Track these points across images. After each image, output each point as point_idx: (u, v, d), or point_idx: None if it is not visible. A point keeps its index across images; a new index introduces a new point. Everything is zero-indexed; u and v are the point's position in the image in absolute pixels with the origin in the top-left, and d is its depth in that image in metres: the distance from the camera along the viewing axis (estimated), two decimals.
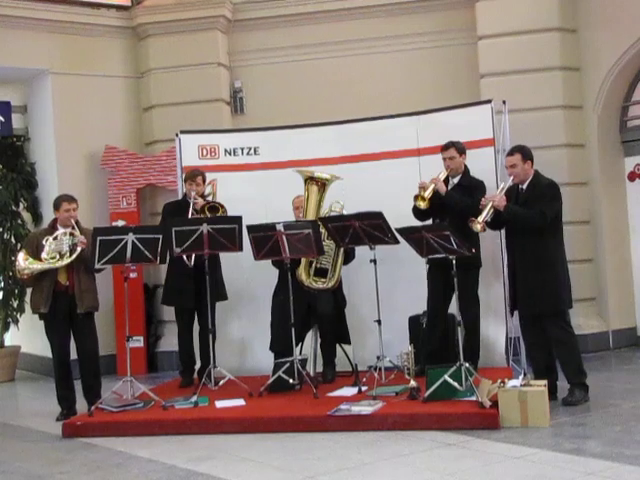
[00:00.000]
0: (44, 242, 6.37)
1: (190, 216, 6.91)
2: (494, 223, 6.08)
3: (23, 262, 6.35)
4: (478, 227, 5.91)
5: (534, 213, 5.83)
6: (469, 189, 6.65)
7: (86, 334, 6.51)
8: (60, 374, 6.52)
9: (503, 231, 6.32)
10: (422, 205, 6.54)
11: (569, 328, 6.00)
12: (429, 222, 6.68)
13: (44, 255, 6.33)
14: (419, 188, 6.59)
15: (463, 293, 6.20)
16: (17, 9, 8.53)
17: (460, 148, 6.73)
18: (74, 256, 6.33)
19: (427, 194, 6.52)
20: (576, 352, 5.94)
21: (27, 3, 8.58)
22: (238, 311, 7.57)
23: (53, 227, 6.55)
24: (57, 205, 6.55)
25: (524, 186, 6.02)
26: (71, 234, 6.39)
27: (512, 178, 6.01)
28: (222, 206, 6.99)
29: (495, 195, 6.02)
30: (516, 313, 6.18)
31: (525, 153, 6.00)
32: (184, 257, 6.80)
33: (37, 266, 6.34)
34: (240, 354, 7.55)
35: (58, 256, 6.35)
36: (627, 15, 7.89)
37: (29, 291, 8.82)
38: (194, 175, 7.15)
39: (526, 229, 5.87)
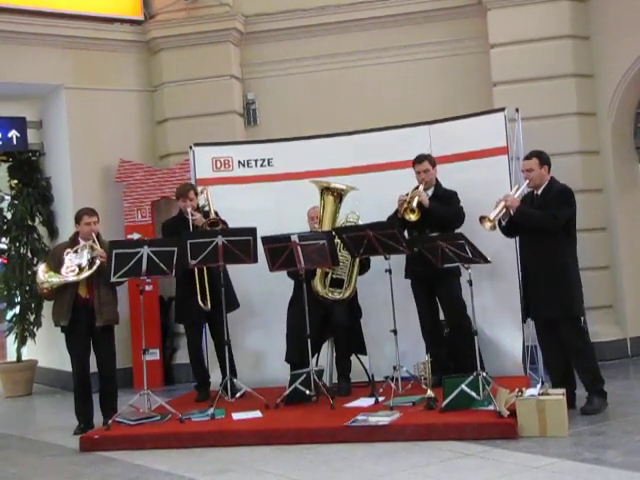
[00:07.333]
0: (65, 255, 6.41)
1: None
2: (508, 229, 6.03)
3: (42, 275, 6.38)
4: (488, 225, 5.83)
5: (545, 215, 5.79)
6: (444, 200, 6.68)
7: (103, 348, 6.53)
8: (79, 387, 6.52)
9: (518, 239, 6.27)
10: (413, 217, 6.50)
11: (585, 335, 5.95)
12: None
13: (64, 268, 6.36)
14: (400, 202, 6.55)
15: (448, 302, 6.33)
16: (31, 25, 8.62)
17: (432, 161, 6.77)
18: (93, 269, 6.35)
19: (415, 205, 6.48)
20: (593, 359, 5.88)
21: (41, 19, 8.67)
22: (254, 322, 7.56)
23: (74, 241, 6.57)
24: (78, 218, 6.58)
25: (539, 192, 5.98)
26: (91, 247, 6.42)
27: (527, 182, 5.99)
28: (224, 222, 6.90)
29: (509, 195, 5.96)
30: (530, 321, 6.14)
31: (542, 158, 5.95)
32: (199, 301, 6.79)
33: (56, 279, 6.35)
34: (256, 365, 7.53)
35: (78, 269, 6.37)
36: None
37: (46, 305, 8.95)
38: (186, 190, 7.02)
39: (538, 233, 5.81)
